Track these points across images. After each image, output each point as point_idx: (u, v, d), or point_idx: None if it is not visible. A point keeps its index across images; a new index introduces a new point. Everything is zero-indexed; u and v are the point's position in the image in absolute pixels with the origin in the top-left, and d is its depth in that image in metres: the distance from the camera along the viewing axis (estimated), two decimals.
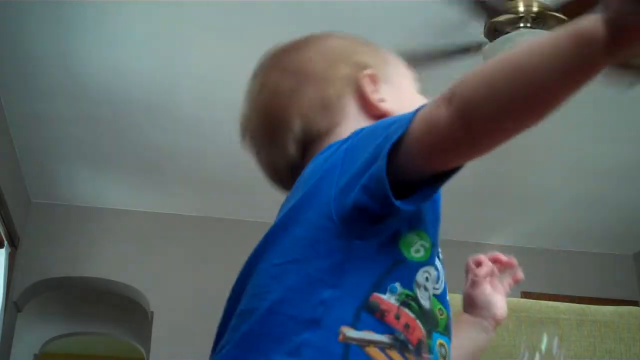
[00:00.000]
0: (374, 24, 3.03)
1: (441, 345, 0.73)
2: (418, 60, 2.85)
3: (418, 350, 0.69)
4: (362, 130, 0.73)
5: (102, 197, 4.68)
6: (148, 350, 4.63)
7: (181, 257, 4.77)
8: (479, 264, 1.02)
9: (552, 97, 0.61)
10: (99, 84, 3.47)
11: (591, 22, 0.56)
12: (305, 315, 0.67)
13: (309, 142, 0.84)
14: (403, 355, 0.67)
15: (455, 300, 0.88)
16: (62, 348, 6.84)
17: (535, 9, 2.67)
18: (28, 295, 4.58)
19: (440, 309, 0.74)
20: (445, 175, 0.67)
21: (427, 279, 0.72)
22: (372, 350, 0.66)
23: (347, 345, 0.65)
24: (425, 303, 0.71)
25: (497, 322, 1.00)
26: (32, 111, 3.71)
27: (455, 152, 0.65)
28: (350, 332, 0.66)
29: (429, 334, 0.71)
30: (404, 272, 0.70)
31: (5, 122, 3.75)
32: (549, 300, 2.03)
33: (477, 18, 2.73)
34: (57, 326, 6.05)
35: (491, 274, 1.01)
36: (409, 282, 0.70)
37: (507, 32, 2.69)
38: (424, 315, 0.70)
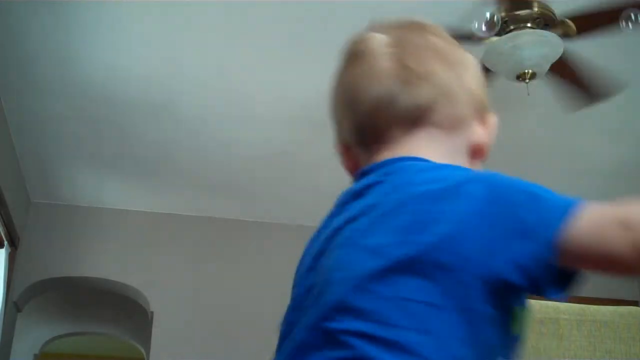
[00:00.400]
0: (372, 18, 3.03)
1: None
2: None
3: None
4: (497, 182, 0.71)
5: (102, 197, 4.68)
6: (148, 350, 4.63)
7: (181, 257, 4.77)
8: None
9: None
10: (99, 84, 3.47)
11: None
12: None
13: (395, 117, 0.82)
14: None
15: None
16: (62, 348, 6.84)
17: (547, 12, 2.67)
18: (28, 295, 4.58)
19: None
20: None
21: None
22: None
23: None
24: None
25: None
26: (32, 111, 3.71)
27: (620, 270, 0.67)
28: None
29: None
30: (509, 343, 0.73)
31: (5, 122, 3.75)
32: (549, 300, 2.03)
33: (490, 7, 2.72)
34: (57, 326, 6.05)
35: None
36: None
37: (512, 30, 2.69)
38: None
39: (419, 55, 0.84)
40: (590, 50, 2.88)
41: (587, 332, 2.44)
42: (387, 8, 2.97)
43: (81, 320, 6.04)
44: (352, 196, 0.79)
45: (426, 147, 0.81)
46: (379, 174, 0.79)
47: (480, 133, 0.85)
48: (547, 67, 2.73)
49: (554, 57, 2.71)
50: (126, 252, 4.70)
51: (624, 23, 2.57)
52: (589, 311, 1.77)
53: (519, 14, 2.68)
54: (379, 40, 0.86)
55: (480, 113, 0.85)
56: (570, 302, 1.92)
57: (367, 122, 0.83)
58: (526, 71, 2.67)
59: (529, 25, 2.68)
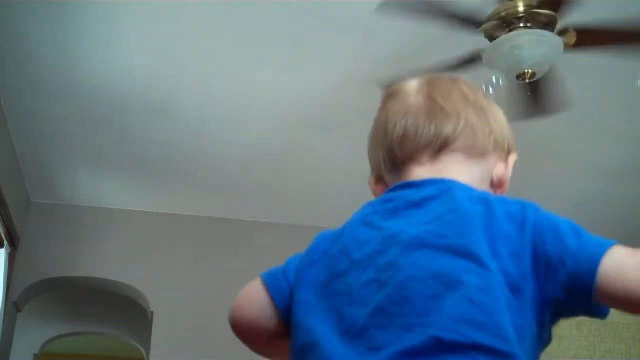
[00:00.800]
0: (373, 24, 3.04)
1: None
2: (431, 11, 2.83)
3: None
4: (547, 218, 0.83)
5: (102, 197, 4.68)
6: (148, 350, 4.63)
7: (181, 257, 4.77)
8: None
9: None
10: (99, 84, 3.47)
11: None
12: None
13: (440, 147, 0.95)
14: None
15: None
16: (62, 348, 6.84)
17: (521, 9, 2.67)
18: (28, 295, 4.58)
19: None
20: None
21: None
22: None
23: None
24: None
25: None
26: (32, 111, 3.71)
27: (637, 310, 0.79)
28: None
29: None
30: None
31: (5, 122, 3.75)
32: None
33: (467, 30, 2.73)
34: (57, 326, 6.05)
35: None
36: None
37: (512, 30, 2.69)
38: None
39: (446, 95, 0.97)
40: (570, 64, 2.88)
41: (587, 332, 2.44)
42: (389, 5, 2.96)
43: (81, 320, 6.04)
44: (409, 204, 0.89)
45: (457, 171, 0.93)
46: (434, 189, 0.89)
47: (500, 168, 0.97)
48: (547, 67, 2.73)
49: (554, 57, 2.71)
50: (126, 252, 4.70)
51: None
52: None
53: (518, 14, 2.68)
54: (413, 83, 1.01)
55: (502, 151, 0.98)
56: None
57: (397, 149, 0.96)
58: (526, 71, 2.67)
59: (529, 25, 2.67)
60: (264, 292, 0.97)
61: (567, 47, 2.73)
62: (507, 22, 2.69)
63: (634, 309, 0.78)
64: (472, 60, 2.87)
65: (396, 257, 0.82)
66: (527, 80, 2.71)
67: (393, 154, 0.96)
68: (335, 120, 3.81)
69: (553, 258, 0.78)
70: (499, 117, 1.00)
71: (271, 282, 0.97)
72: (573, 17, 2.72)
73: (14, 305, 4.39)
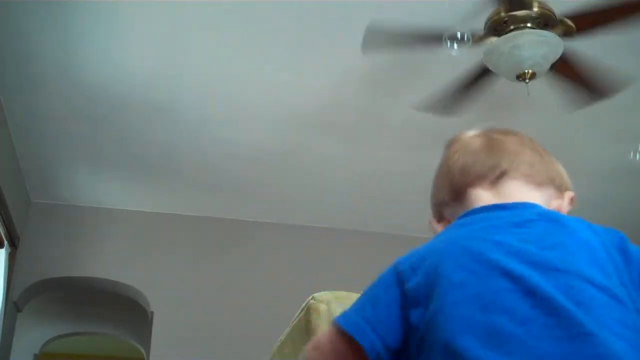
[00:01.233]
0: (372, 19, 3.04)
1: None
2: (418, 40, 2.84)
3: None
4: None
5: (102, 197, 4.68)
6: (148, 350, 4.63)
7: (181, 257, 4.77)
8: None
9: None
10: (99, 84, 3.47)
11: None
12: None
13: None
14: None
15: None
16: (62, 348, 6.84)
17: (546, 12, 2.67)
18: (28, 295, 4.58)
19: None
20: None
21: None
22: None
23: None
24: None
25: None
26: (32, 111, 3.71)
27: None
28: None
29: None
30: None
31: (5, 122, 3.75)
32: None
33: (490, 7, 2.72)
34: (57, 326, 6.05)
35: None
36: None
37: (512, 30, 2.69)
38: None
39: (502, 137, 1.07)
40: (592, 48, 2.88)
41: None
42: (387, 9, 2.97)
43: (81, 320, 6.04)
44: (513, 225, 0.93)
45: (525, 194, 1.01)
46: (530, 212, 0.95)
47: (558, 200, 1.05)
48: (547, 67, 2.73)
49: (554, 57, 2.71)
50: (126, 252, 4.70)
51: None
52: None
53: (518, 14, 2.68)
54: (470, 131, 1.11)
55: (558, 189, 1.06)
56: None
57: (458, 177, 1.04)
58: (526, 71, 2.67)
59: (529, 25, 2.67)
60: None
61: (568, 36, 2.73)
62: (505, 24, 2.69)
63: None
64: (483, 73, 2.89)
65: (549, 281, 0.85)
66: (527, 80, 2.71)
67: (454, 184, 1.04)
68: (335, 120, 3.81)
69: None
70: (553, 160, 1.09)
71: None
72: (567, 6, 2.72)
73: (14, 305, 4.39)
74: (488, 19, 2.74)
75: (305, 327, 1.36)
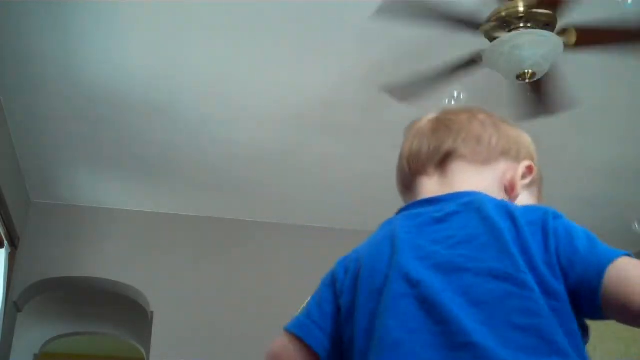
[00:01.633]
0: (373, 25, 3.04)
1: None
2: (425, 83, 2.87)
3: None
4: (564, 224, 0.88)
5: (102, 197, 4.68)
6: (148, 350, 4.63)
7: (181, 257, 4.77)
8: None
9: None
10: (99, 83, 3.47)
11: None
12: None
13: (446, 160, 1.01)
14: None
15: None
16: (62, 348, 6.84)
17: (521, 8, 2.66)
18: (28, 295, 4.58)
19: None
20: None
21: None
22: None
23: None
24: None
25: None
26: (32, 111, 3.71)
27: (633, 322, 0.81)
28: None
29: None
30: None
31: (5, 122, 3.75)
32: None
33: (467, 31, 2.73)
34: (57, 326, 6.05)
35: None
36: None
37: (512, 30, 2.69)
38: None
39: (452, 116, 1.04)
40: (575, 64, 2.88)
41: None
42: (387, 9, 2.96)
43: (81, 320, 6.04)
44: (433, 221, 0.92)
45: (466, 180, 0.98)
46: (455, 204, 0.92)
47: (509, 173, 1.01)
48: (547, 67, 2.73)
49: (554, 57, 2.71)
50: (126, 252, 4.70)
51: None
52: None
53: (518, 14, 2.68)
54: (428, 114, 1.08)
55: (513, 159, 1.02)
56: None
57: (406, 167, 1.03)
58: (526, 71, 2.67)
59: (529, 25, 2.67)
60: None
61: (567, 46, 2.73)
62: (507, 22, 2.69)
63: (631, 319, 0.79)
64: (472, 62, 2.87)
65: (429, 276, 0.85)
66: (527, 80, 2.71)
67: (405, 174, 1.04)
68: (335, 120, 3.81)
69: (565, 263, 0.82)
70: (511, 130, 1.05)
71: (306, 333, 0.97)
72: (573, 17, 2.72)
73: (14, 305, 4.39)
74: (493, 15, 2.72)
75: None
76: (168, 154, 4.14)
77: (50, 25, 3.08)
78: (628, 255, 0.82)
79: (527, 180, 1.02)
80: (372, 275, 0.89)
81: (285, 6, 2.99)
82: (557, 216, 0.88)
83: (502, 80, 2.84)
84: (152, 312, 4.63)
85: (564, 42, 2.70)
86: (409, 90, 3.04)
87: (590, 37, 2.72)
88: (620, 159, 4.16)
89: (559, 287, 0.81)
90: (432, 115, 1.07)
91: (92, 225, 4.71)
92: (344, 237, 4.96)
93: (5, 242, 3.98)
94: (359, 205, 4.72)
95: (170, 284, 4.66)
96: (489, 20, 2.71)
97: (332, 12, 3.02)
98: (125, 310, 5.40)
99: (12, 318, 4.44)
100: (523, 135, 1.07)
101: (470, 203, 0.92)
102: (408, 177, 1.03)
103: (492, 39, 2.74)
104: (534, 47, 2.64)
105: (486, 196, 0.93)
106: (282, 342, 0.94)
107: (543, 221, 0.86)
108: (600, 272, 0.79)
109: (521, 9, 2.66)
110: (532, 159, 1.04)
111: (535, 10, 2.65)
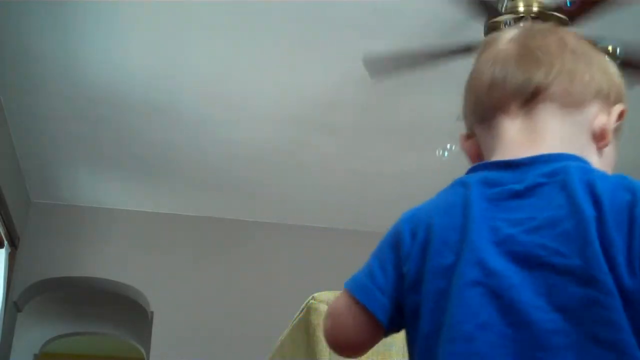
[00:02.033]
0: (373, 25, 3.04)
1: None
2: (420, 59, 2.85)
3: None
4: None
5: (102, 197, 4.68)
6: (148, 350, 4.63)
7: (181, 257, 4.77)
8: None
9: None
10: (99, 84, 3.47)
11: None
12: None
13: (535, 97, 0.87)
14: None
15: None
16: (62, 348, 6.84)
17: (535, 8, 2.66)
18: (28, 295, 4.58)
19: None
20: None
21: None
22: None
23: None
24: None
25: None
26: (32, 111, 3.71)
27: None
28: None
29: None
30: None
31: (5, 122, 3.75)
32: None
33: (477, 18, 2.73)
34: (57, 326, 6.05)
35: None
36: None
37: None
38: None
39: (540, 40, 0.89)
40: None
41: None
42: (387, 8, 2.97)
43: (81, 320, 6.04)
44: (512, 194, 0.80)
45: (553, 128, 0.85)
46: (538, 173, 0.80)
47: (601, 119, 0.89)
48: None
49: None
50: (126, 252, 4.70)
51: None
52: None
53: (508, 17, 2.68)
54: (509, 31, 0.93)
55: (606, 102, 0.90)
56: None
57: (485, 97, 0.88)
58: None
59: (521, 25, 2.67)
60: None
61: (567, 25, 2.71)
62: (518, 19, 2.68)
63: None
64: (466, 50, 2.85)
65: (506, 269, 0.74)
66: None
67: (481, 104, 0.89)
68: (335, 120, 3.81)
69: None
70: (605, 65, 0.91)
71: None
72: (583, 30, 2.71)
73: (14, 305, 4.39)
74: (485, 26, 2.73)
75: (305, 327, 1.36)
76: (168, 154, 4.14)
77: (50, 25, 3.08)
78: None
79: (615, 127, 0.91)
80: (442, 250, 0.79)
81: (285, 6, 2.99)
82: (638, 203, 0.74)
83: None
84: (152, 312, 4.63)
85: (560, 22, 2.69)
86: (387, 65, 2.91)
87: (578, 9, 2.69)
88: (620, 159, 4.16)
89: (636, 288, 0.70)
90: (513, 34, 0.91)
91: (92, 225, 4.71)
92: (344, 237, 4.96)
93: (5, 242, 3.98)
94: (359, 205, 4.72)
95: (170, 284, 4.66)
96: (503, 14, 2.69)
97: (332, 11, 3.02)
98: (125, 310, 5.40)
99: (12, 318, 4.44)
100: (613, 68, 0.93)
101: (554, 174, 0.79)
102: (486, 109, 0.88)
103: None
104: None
105: (572, 164, 0.81)
106: (344, 302, 0.85)
107: (630, 209, 0.73)
108: None
109: (535, 8, 2.66)
110: (623, 101, 0.92)
111: (550, 12, 2.65)
